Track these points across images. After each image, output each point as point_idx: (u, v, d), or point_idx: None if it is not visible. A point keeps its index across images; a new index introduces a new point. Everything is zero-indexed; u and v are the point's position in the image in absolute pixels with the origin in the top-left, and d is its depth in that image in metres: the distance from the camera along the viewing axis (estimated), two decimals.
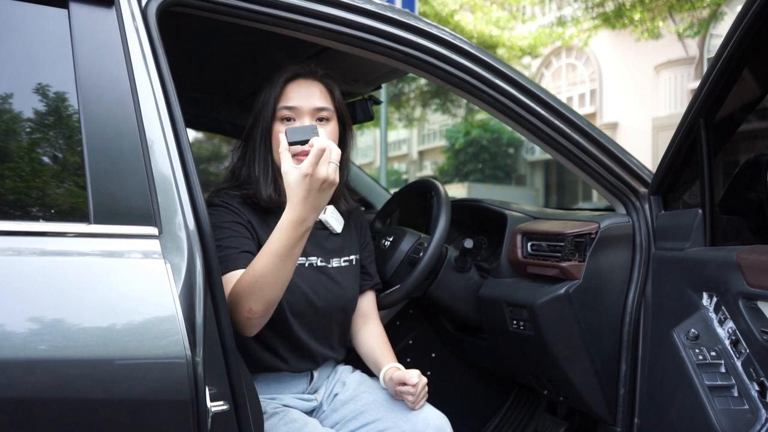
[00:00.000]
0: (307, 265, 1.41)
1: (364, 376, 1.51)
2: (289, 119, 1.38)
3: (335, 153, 1.10)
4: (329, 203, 1.46)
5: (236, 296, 1.16)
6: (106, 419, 0.87)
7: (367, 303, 1.57)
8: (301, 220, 1.11)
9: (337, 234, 1.48)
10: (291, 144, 1.13)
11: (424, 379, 1.35)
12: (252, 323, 1.18)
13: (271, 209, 1.39)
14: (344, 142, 1.47)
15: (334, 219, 1.47)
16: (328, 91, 1.43)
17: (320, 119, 1.39)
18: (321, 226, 1.46)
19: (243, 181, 1.40)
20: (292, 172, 1.10)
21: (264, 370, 1.39)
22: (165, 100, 1.05)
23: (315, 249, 1.43)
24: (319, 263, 1.43)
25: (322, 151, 1.08)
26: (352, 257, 1.51)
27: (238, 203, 1.37)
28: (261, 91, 1.42)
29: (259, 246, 1.35)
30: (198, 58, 1.89)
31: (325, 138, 1.12)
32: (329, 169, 1.09)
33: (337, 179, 1.11)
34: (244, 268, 1.25)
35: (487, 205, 1.91)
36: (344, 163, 1.47)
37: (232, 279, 1.22)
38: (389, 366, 1.42)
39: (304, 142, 1.13)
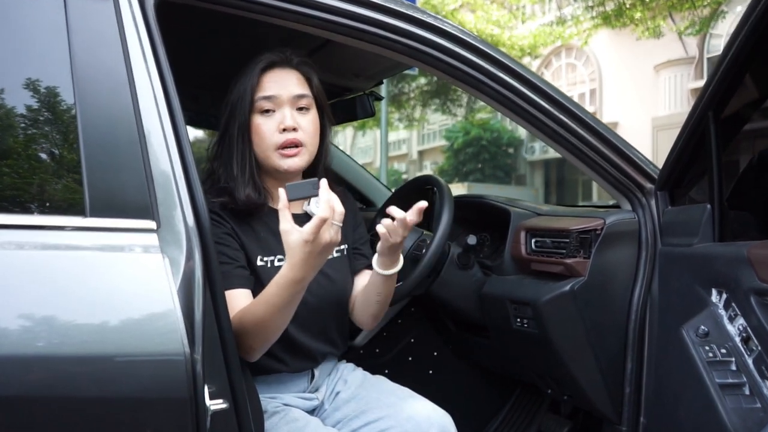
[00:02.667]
0: None
1: (366, 374, 1.49)
2: (268, 111, 1.33)
3: (338, 214, 1.07)
4: None
5: (236, 331, 1.13)
6: (104, 417, 0.85)
7: (363, 281, 1.50)
8: (300, 279, 1.10)
9: None
10: (291, 201, 1.08)
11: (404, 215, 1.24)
12: (252, 355, 1.21)
13: (252, 212, 1.35)
14: (323, 130, 1.42)
15: (319, 209, 1.42)
16: (305, 78, 1.38)
17: (300, 108, 1.35)
18: (306, 219, 1.42)
19: (222, 183, 1.34)
20: (292, 233, 1.06)
21: (263, 373, 1.37)
22: (163, 92, 1.03)
23: None
24: None
25: (324, 221, 1.05)
26: (342, 247, 1.47)
27: (218, 209, 1.31)
28: (234, 83, 1.36)
29: (245, 253, 1.32)
30: (197, 54, 1.87)
31: (327, 195, 1.07)
32: (332, 233, 1.06)
33: (339, 238, 1.08)
34: (242, 287, 1.26)
35: (490, 201, 1.89)
36: (324, 152, 1.44)
37: (231, 297, 1.20)
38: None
39: (305, 198, 1.09)
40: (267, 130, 1.32)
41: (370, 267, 1.49)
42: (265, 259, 1.34)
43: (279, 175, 1.36)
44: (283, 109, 1.33)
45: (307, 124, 1.35)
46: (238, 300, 1.23)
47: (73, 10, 1.01)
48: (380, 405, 1.36)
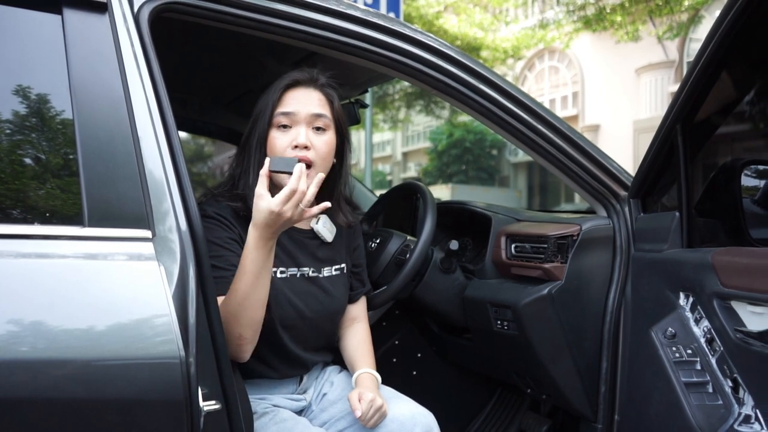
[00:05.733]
0: (299, 276, 1.41)
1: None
2: (285, 126, 1.35)
3: (308, 197, 1.14)
4: (324, 213, 1.44)
5: (226, 323, 1.15)
6: (101, 420, 0.89)
7: (358, 308, 1.58)
8: (264, 240, 1.16)
9: (329, 242, 1.47)
10: (272, 172, 1.18)
11: (376, 403, 1.32)
12: (244, 349, 1.23)
13: None
14: (341, 154, 1.44)
15: (326, 229, 1.45)
16: (327, 100, 1.40)
17: (317, 128, 1.36)
18: (312, 236, 1.45)
19: (239, 189, 1.37)
20: (263, 198, 1.14)
21: (254, 377, 1.40)
22: (157, 104, 1.06)
23: (307, 259, 1.42)
24: (311, 274, 1.42)
25: (294, 193, 1.12)
26: (343, 265, 1.51)
27: (230, 215, 1.34)
28: (260, 98, 1.40)
29: None
30: (186, 61, 1.90)
31: (303, 177, 1.14)
32: (296, 212, 1.14)
33: (301, 218, 1.16)
34: None
35: (472, 207, 1.94)
36: (343, 176, 1.47)
37: None
38: (362, 371, 1.45)
39: (284, 173, 1.17)
40: (280, 144, 1.35)
41: (365, 294, 1.59)
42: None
43: None
44: (299, 127, 1.35)
45: (321, 144, 1.36)
46: None
47: (71, 25, 1.04)
48: None
